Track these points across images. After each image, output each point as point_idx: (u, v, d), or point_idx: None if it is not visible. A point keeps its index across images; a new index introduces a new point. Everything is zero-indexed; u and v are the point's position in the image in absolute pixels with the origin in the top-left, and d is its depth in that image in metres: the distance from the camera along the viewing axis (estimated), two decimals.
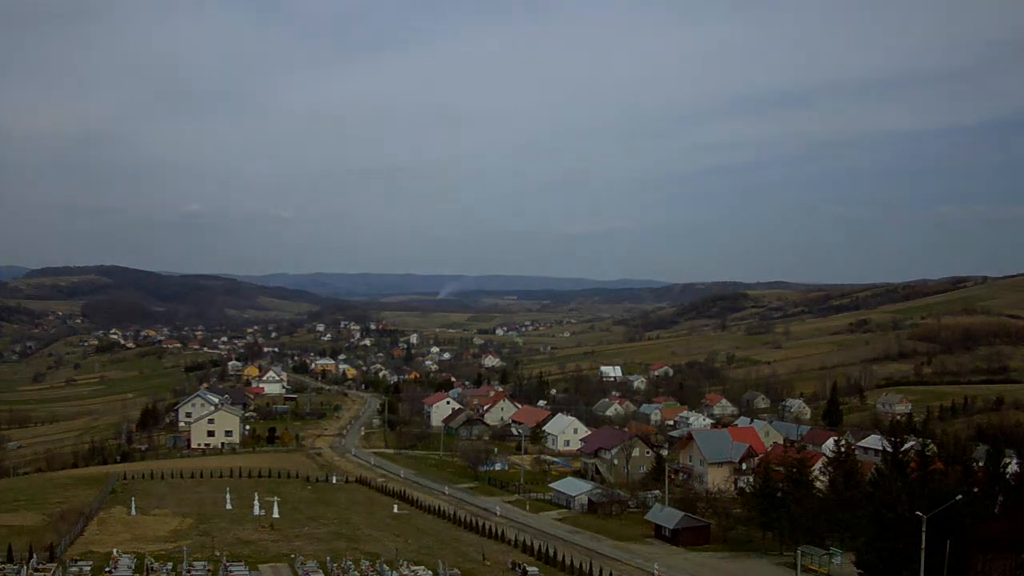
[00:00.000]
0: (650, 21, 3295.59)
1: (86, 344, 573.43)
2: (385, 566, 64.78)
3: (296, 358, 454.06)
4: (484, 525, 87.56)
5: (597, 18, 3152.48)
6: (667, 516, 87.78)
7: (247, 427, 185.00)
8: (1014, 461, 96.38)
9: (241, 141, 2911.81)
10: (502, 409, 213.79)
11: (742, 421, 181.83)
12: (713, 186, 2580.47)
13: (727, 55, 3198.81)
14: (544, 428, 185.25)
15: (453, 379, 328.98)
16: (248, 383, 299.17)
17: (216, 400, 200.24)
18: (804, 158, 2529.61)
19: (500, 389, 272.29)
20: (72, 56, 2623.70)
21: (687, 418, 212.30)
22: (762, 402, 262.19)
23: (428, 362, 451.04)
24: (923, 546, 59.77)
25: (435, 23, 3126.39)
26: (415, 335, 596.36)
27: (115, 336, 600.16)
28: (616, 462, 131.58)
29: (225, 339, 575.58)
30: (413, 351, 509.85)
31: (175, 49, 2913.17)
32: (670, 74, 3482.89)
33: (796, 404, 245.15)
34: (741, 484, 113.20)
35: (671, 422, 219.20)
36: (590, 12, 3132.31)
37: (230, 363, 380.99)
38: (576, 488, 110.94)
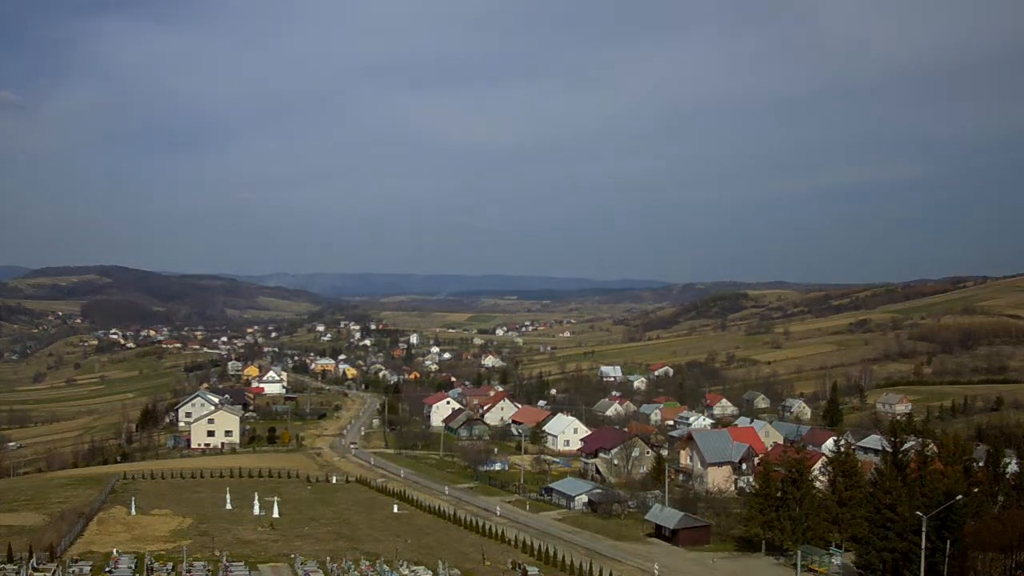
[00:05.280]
0: None
1: (86, 344, 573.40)
2: (385, 566, 64.77)
3: (296, 358, 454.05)
4: (484, 525, 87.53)
5: None
6: (667, 516, 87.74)
7: (247, 427, 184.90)
8: (1014, 461, 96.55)
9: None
10: (502, 409, 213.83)
11: (742, 421, 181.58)
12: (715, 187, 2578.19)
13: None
14: (544, 428, 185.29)
15: (453, 379, 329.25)
16: (248, 383, 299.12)
17: (216, 400, 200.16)
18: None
19: (500, 389, 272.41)
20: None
21: (687, 418, 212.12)
22: (762, 402, 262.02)
23: (428, 362, 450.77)
24: (923, 546, 59.80)
25: None
26: (415, 335, 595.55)
27: (115, 336, 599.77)
28: (616, 462, 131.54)
29: (225, 339, 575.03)
30: (413, 351, 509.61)
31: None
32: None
33: (796, 404, 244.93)
34: (741, 484, 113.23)
35: (671, 422, 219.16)
36: None
37: (230, 363, 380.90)
38: (576, 488, 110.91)
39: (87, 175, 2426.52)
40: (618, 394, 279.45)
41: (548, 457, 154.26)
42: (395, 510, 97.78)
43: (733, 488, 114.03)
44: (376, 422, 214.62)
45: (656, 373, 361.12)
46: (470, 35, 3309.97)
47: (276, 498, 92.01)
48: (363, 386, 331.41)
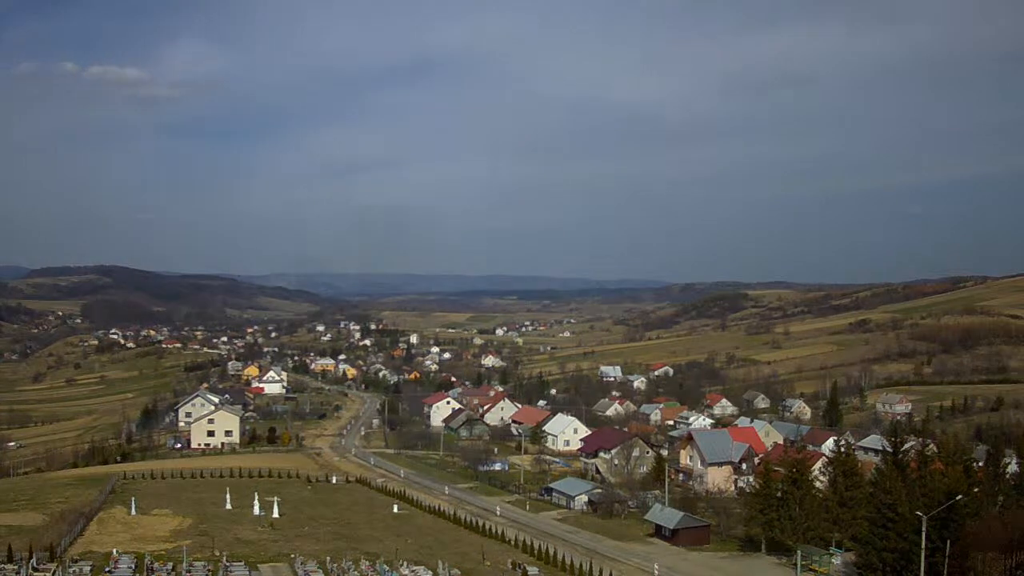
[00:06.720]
0: None
1: (86, 344, 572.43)
2: (385, 566, 64.79)
3: (296, 358, 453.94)
4: (484, 525, 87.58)
5: None
6: (667, 516, 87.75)
7: (247, 427, 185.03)
8: (1014, 461, 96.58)
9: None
10: (502, 409, 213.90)
11: (742, 421, 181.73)
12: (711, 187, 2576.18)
13: None
14: (544, 428, 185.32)
15: (453, 379, 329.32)
16: (248, 383, 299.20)
17: (216, 400, 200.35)
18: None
19: (500, 389, 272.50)
20: None
21: (687, 418, 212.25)
22: (762, 402, 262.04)
23: (428, 362, 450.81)
24: (923, 546, 59.80)
25: None
26: (415, 335, 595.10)
27: (115, 336, 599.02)
28: (616, 462, 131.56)
29: (225, 339, 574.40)
30: (413, 351, 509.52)
31: None
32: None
33: (796, 404, 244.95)
34: (741, 484, 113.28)
35: (671, 422, 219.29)
36: None
37: (230, 363, 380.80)
38: (576, 488, 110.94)
39: (87, 173, 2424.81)
40: (618, 394, 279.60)
41: (548, 457, 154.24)
42: (395, 510, 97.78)
43: (733, 488, 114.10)
44: (376, 422, 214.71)
45: (656, 373, 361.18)
46: None
47: (276, 498, 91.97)
48: (363, 386, 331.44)
